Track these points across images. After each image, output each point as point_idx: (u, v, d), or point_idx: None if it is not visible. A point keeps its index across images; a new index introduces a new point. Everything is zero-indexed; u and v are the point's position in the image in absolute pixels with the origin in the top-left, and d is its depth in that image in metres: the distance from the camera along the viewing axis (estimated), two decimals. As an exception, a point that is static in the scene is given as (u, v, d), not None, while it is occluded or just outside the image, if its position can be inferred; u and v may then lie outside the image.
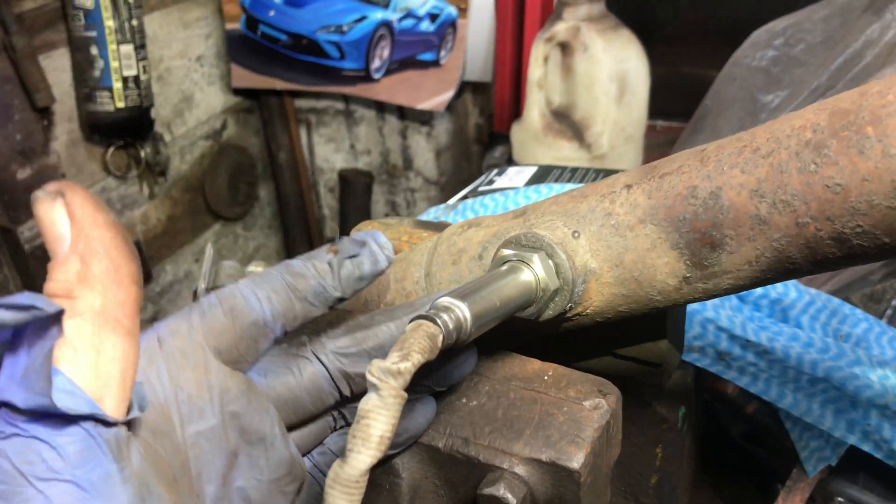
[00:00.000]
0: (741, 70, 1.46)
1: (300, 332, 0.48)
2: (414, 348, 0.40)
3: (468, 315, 0.43)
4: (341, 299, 0.46)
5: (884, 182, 0.41)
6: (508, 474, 0.47)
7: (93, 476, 0.33)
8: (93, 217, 0.35)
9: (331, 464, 0.38)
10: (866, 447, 0.81)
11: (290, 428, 0.48)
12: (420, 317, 0.42)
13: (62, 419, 0.32)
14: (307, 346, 0.47)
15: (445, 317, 0.42)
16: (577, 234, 0.52)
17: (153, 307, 2.26)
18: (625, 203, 0.51)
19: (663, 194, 0.49)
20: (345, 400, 0.49)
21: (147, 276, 2.22)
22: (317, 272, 0.45)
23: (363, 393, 0.39)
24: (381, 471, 0.51)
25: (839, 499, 0.92)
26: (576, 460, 0.46)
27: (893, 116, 0.41)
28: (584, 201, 0.53)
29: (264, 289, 0.44)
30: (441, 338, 0.42)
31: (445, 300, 0.44)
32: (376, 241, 0.47)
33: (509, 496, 0.46)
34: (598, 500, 0.50)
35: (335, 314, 0.53)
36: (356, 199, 2.49)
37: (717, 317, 0.80)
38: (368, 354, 0.47)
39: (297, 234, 2.69)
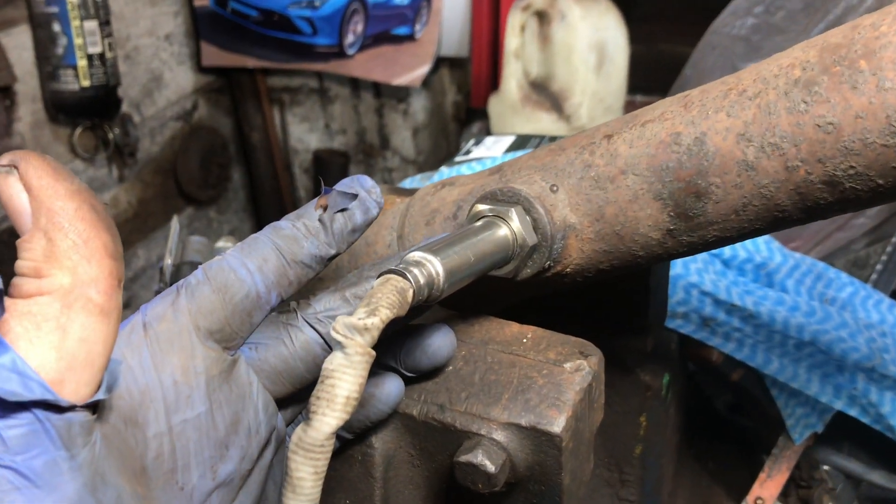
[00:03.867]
0: (721, 38, 1.43)
1: (289, 298, 0.46)
2: (382, 303, 0.37)
3: (441, 270, 0.41)
4: (336, 255, 0.44)
5: (878, 118, 0.38)
6: (486, 440, 0.45)
7: (35, 463, 0.31)
8: (52, 188, 0.32)
9: None
10: (853, 412, 0.80)
11: (290, 398, 0.45)
12: (389, 271, 0.39)
13: (9, 402, 0.30)
14: (296, 312, 0.44)
15: (416, 271, 0.40)
16: (555, 188, 0.49)
17: (126, 293, 2.21)
18: (605, 154, 0.48)
19: (645, 143, 0.47)
20: None
21: (119, 261, 2.17)
22: (308, 231, 0.42)
23: None
24: (353, 441, 0.49)
25: (824, 467, 0.91)
26: (557, 424, 0.44)
27: (888, 48, 0.38)
28: (562, 154, 0.51)
29: (254, 258, 0.41)
30: (411, 293, 0.39)
31: (416, 254, 0.41)
32: (364, 186, 0.44)
33: (487, 463, 0.43)
34: (581, 466, 0.48)
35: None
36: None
37: (701, 281, 0.78)
38: None
39: (272, 217, 2.62)
